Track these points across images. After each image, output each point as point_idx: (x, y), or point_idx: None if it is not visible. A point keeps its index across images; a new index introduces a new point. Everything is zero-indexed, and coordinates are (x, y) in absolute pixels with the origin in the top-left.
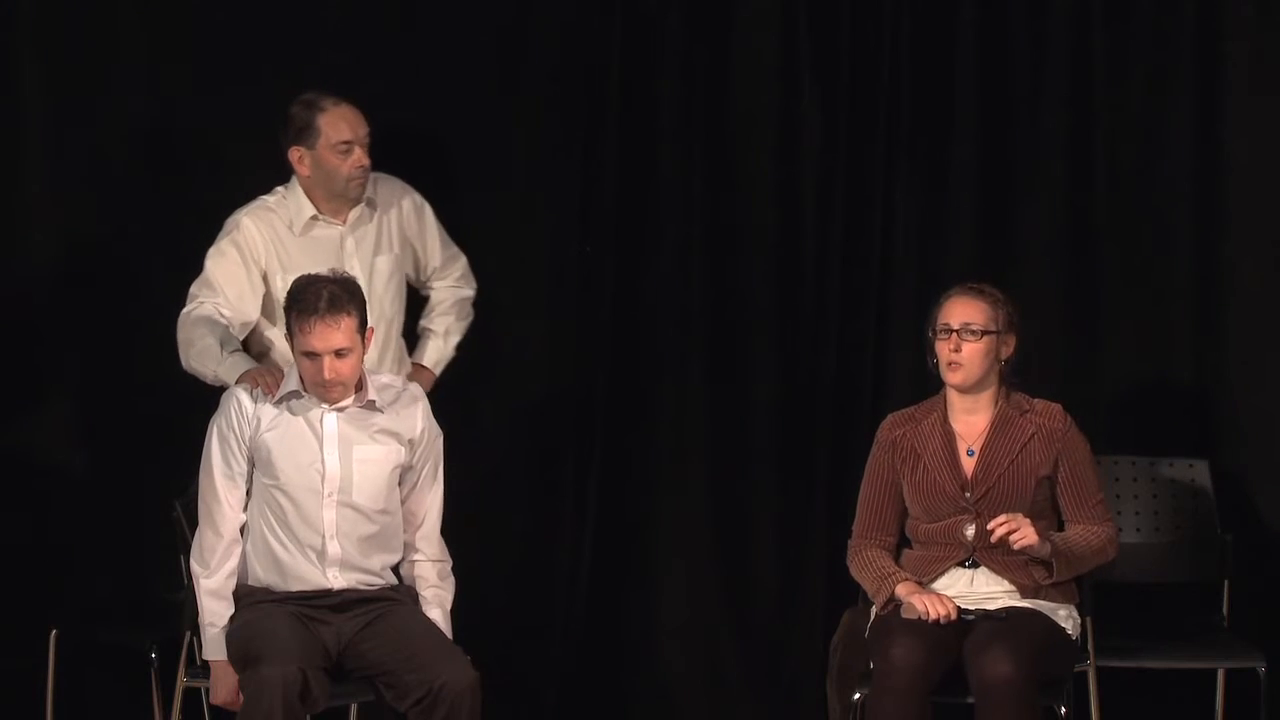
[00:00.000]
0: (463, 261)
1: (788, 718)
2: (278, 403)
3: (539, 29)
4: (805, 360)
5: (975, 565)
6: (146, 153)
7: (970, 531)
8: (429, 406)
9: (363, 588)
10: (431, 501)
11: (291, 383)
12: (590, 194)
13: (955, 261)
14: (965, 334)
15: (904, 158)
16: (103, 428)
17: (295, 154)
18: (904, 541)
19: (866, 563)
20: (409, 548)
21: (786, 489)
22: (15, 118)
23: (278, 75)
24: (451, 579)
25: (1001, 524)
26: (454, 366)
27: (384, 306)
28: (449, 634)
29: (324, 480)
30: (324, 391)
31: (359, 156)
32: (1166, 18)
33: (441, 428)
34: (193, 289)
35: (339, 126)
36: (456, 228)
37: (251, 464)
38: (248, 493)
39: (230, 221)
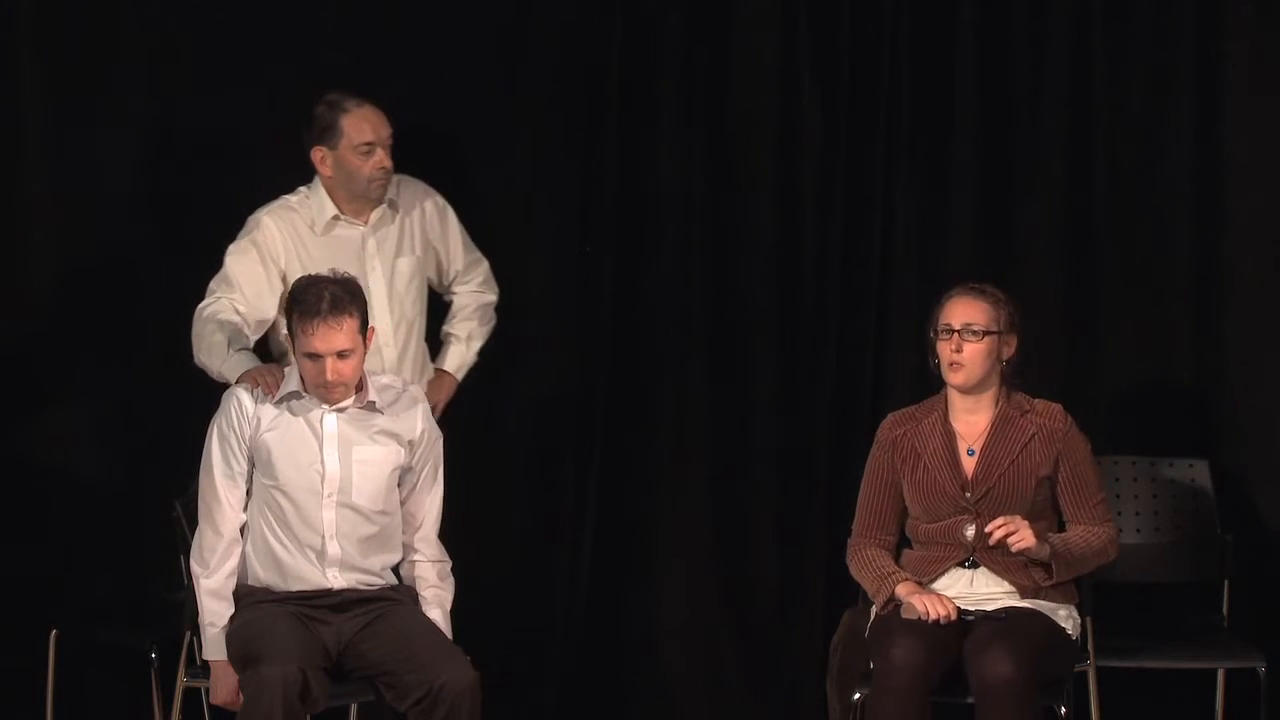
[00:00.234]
0: (485, 266)
1: (788, 718)
2: (278, 403)
3: (539, 29)
4: (805, 360)
5: (975, 566)
6: (146, 153)
7: (970, 532)
8: (429, 408)
9: (363, 588)
10: (431, 502)
11: (292, 383)
12: (590, 194)
13: (955, 261)
14: (967, 334)
15: (904, 158)
16: (103, 428)
17: (318, 154)
18: (904, 541)
19: (866, 562)
20: (408, 548)
21: (786, 489)
22: (15, 117)
23: (277, 76)
24: (451, 579)
25: (999, 526)
26: None
27: (405, 309)
28: (449, 634)
29: (324, 481)
30: (325, 393)
31: (381, 158)
32: (1166, 18)
33: (442, 429)
34: (211, 284)
35: (361, 128)
36: None
37: (252, 464)
38: (248, 493)
39: (251, 220)
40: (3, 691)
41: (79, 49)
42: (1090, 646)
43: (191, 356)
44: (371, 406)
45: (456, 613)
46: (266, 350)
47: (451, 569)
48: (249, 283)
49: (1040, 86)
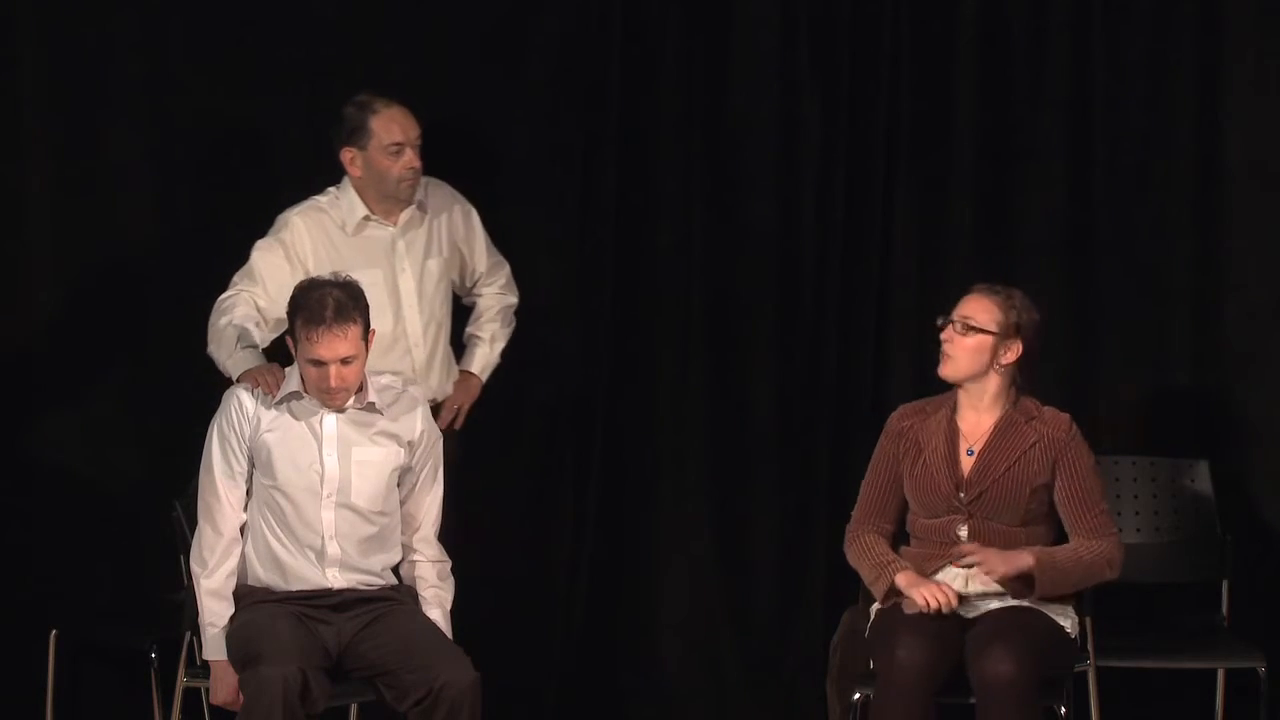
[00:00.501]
0: (507, 269)
1: (788, 718)
2: (278, 403)
3: (540, 28)
4: (805, 360)
5: (969, 565)
6: (146, 153)
7: (963, 533)
8: (429, 409)
9: (363, 588)
10: (431, 503)
11: (293, 383)
12: (590, 194)
13: (955, 261)
14: (960, 327)
15: (904, 157)
16: (103, 428)
17: (347, 155)
18: (902, 533)
19: (864, 549)
20: (408, 549)
21: (786, 489)
22: (15, 117)
23: (277, 77)
24: (451, 579)
25: (967, 555)
26: None
27: (434, 309)
28: (449, 634)
29: (323, 481)
30: (328, 398)
31: (410, 158)
32: (1166, 18)
33: (456, 430)
34: (235, 277)
35: (391, 128)
36: None
37: (252, 464)
38: (248, 492)
39: (280, 219)
40: (3, 691)
41: (79, 48)
42: (1090, 646)
43: (191, 354)
44: (371, 407)
45: (456, 613)
46: (282, 347)
47: (451, 569)
48: (273, 279)
49: (1040, 86)
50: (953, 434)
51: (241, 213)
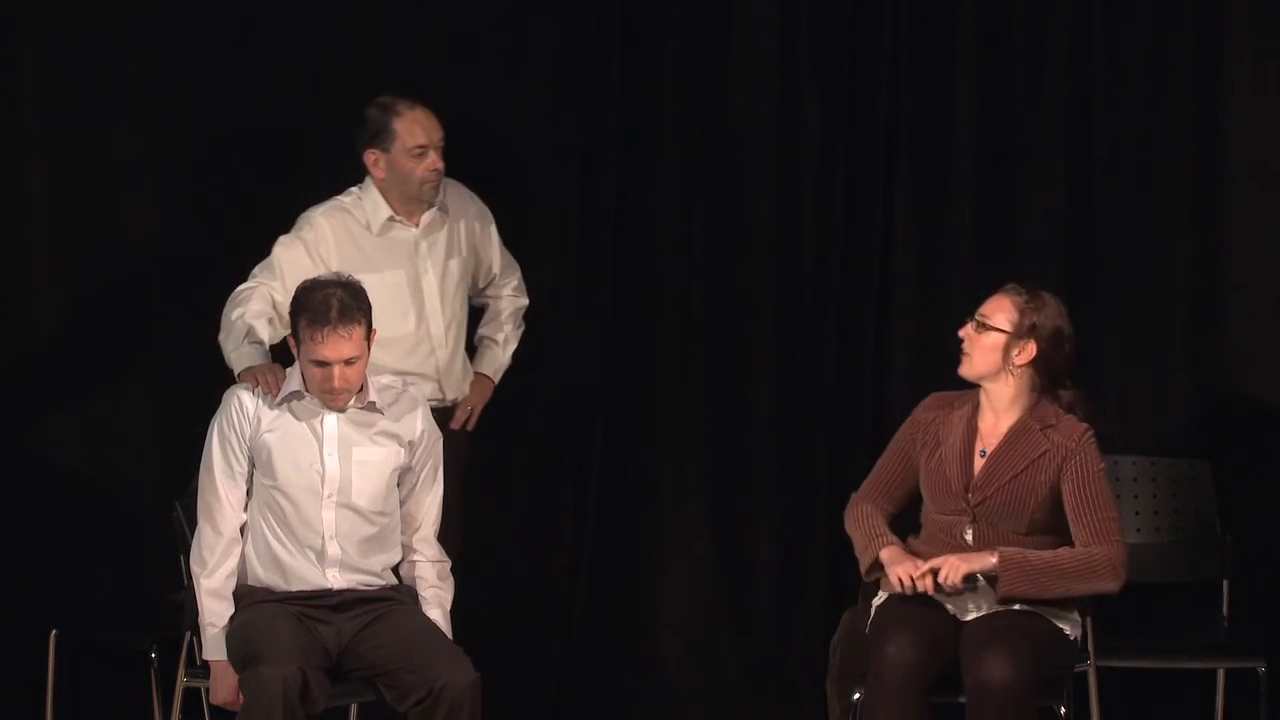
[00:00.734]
0: (518, 271)
1: (788, 718)
2: (279, 403)
3: (540, 28)
4: (805, 360)
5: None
6: (146, 153)
7: (969, 535)
8: (429, 409)
9: (363, 588)
10: (430, 503)
11: (294, 383)
12: (590, 194)
13: (955, 261)
14: (977, 325)
15: (904, 157)
16: (103, 428)
17: (370, 157)
18: (902, 518)
19: (860, 518)
20: (408, 549)
21: (786, 489)
22: (15, 117)
23: (277, 77)
24: (451, 579)
25: (930, 571)
26: None
27: (455, 310)
28: (449, 634)
29: (323, 481)
30: (330, 399)
31: (433, 160)
32: (1166, 18)
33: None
34: (255, 269)
35: (414, 130)
36: None
37: (252, 463)
38: (248, 492)
39: (304, 218)
40: (3, 691)
41: (79, 48)
42: (1090, 646)
43: (191, 354)
44: (372, 407)
45: (456, 613)
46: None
47: (451, 569)
48: (292, 275)
49: (1040, 86)
50: (970, 433)
51: (242, 212)
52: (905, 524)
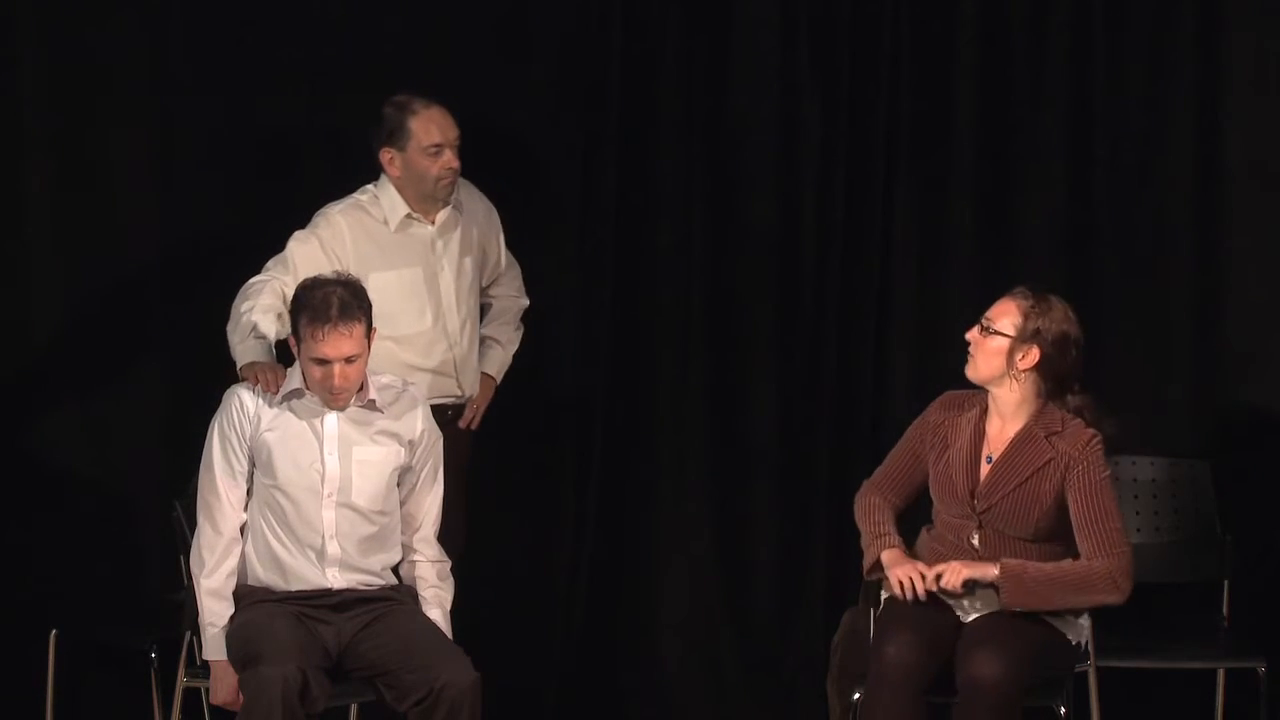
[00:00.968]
0: (519, 271)
1: (788, 718)
2: (279, 402)
3: (540, 28)
4: (805, 360)
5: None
6: (146, 153)
7: (976, 540)
8: (429, 409)
9: (363, 588)
10: (430, 503)
11: (294, 381)
12: (590, 194)
13: (955, 261)
14: (982, 328)
15: (904, 157)
16: (103, 428)
17: (386, 155)
18: (911, 511)
19: (869, 510)
20: (408, 549)
21: (786, 489)
22: (15, 117)
23: (277, 77)
24: (451, 579)
25: (933, 578)
26: None
27: (470, 307)
28: (449, 634)
29: (324, 481)
30: (331, 399)
31: (449, 158)
32: (1166, 18)
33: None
34: (269, 263)
35: (430, 129)
36: None
37: (252, 463)
38: (248, 492)
39: (321, 215)
40: (3, 691)
41: (79, 48)
42: (1090, 646)
43: (191, 353)
44: (372, 406)
45: (456, 613)
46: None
47: (451, 569)
48: (305, 270)
49: (1040, 86)
50: (978, 438)
51: (242, 212)
52: (915, 516)
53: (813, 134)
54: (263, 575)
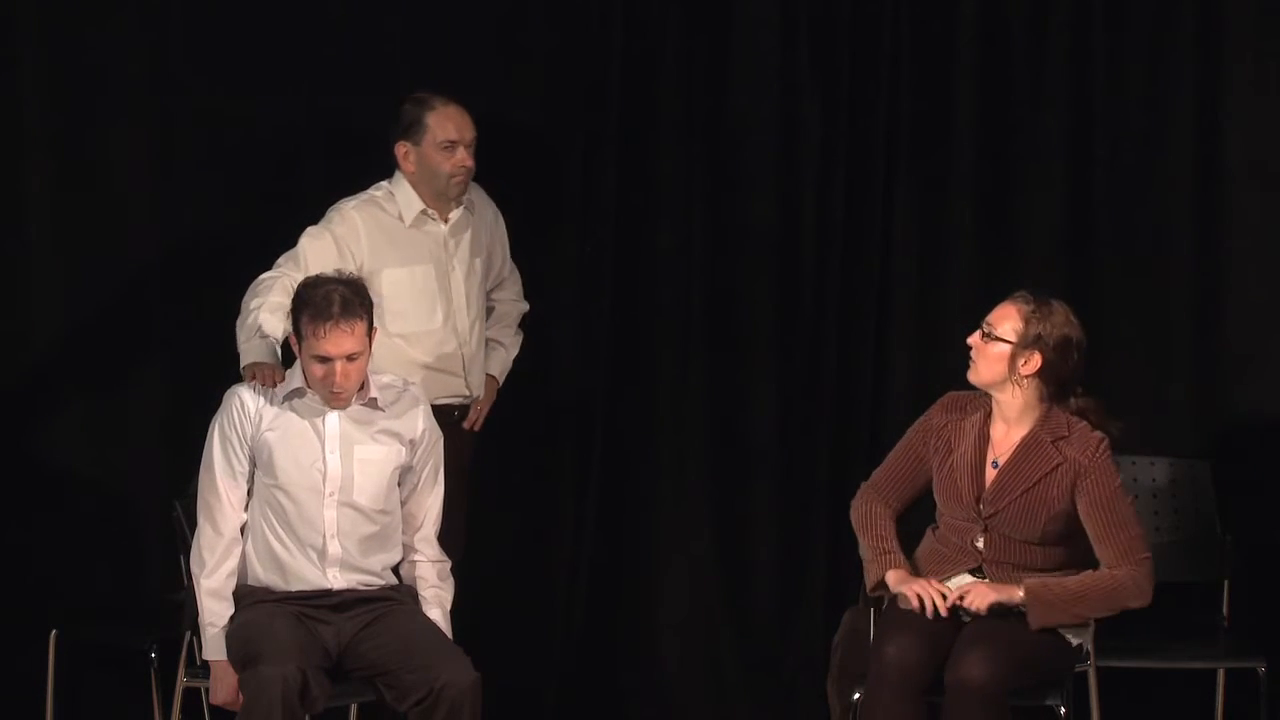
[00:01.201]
0: (519, 276)
1: (788, 718)
2: (280, 401)
3: (540, 27)
4: (805, 360)
5: (982, 575)
6: (146, 153)
7: (981, 544)
8: (430, 408)
9: (363, 588)
10: (431, 503)
11: (295, 380)
12: (590, 194)
13: (955, 261)
14: (983, 334)
15: (904, 157)
16: (103, 427)
17: (401, 149)
18: (909, 515)
19: (871, 520)
20: (408, 548)
21: (786, 489)
22: (15, 117)
23: (277, 76)
24: (451, 579)
25: (957, 598)
26: None
27: (479, 308)
28: (449, 634)
29: (325, 480)
30: (332, 398)
31: (463, 157)
32: (1166, 18)
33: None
34: (280, 259)
35: (445, 125)
36: None
37: (253, 463)
38: (249, 492)
39: (334, 211)
40: (3, 691)
41: (79, 48)
42: (1090, 647)
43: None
44: (374, 404)
45: (456, 613)
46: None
47: (451, 569)
48: (317, 267)
49: (1040, 86)
50: (983, 442)
51: (242, 212)
52: (917, 518)
53: (813, 134)
54: (263, 575)
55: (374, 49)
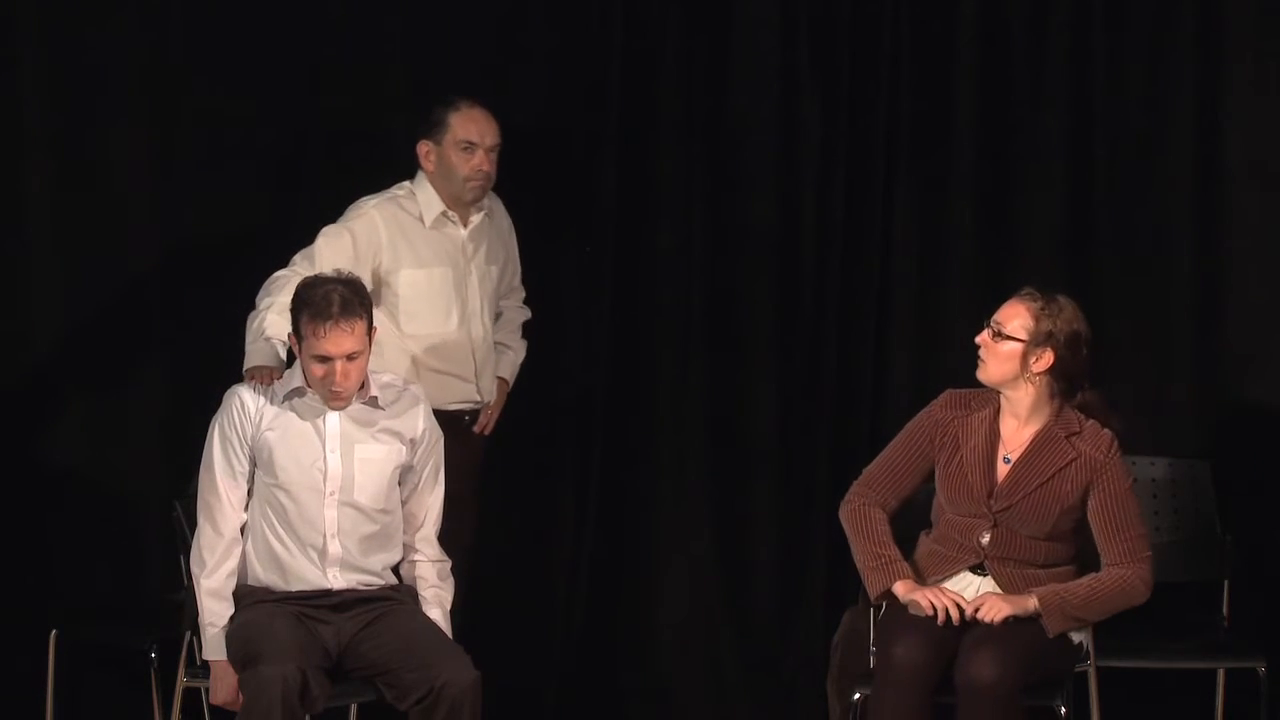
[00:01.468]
0: (521, 285)
1: (788, 718)
2: (280, 401)
3: (540, 27)
4: (805, 360)
5: (984, 573)
6: (146, 153)
7: (986, 539)
8: (430, 408)
9: (363, 588)
10: (432, 503)
11: (295, 380)
12: (590, 194)
13: (955, 261)
14: (993, 333)
15: (904, 157)
16: (103, 428)
17: (423, 148)
18: (903, 512)
19: (868, 525)
20: (408, 548)
21: (786, 489)
22: (15, 117)
23: (277, 76)
24: (451, 579)
25: (973, 611)
26: None
27: (492, 314)
28: (449, 633)
29: (325, 479)
30: (332, 398)
31: (481, 160)
32: (1166, 18)
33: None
34: (296, 256)
35: (467, 126)
36: None
37: (253, 463)
38: (249, 492)
39: (355, 209)
40: (3, 691)
41: (79, 48)
42: (1090, 646)
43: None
44: (374, 403)
45: (457, 612)
46: None
47: (451, 568)
48: (332, 266)
49: (1040, 86)
50: (993, 438)
51: (242, 212)
52: (905, 523)
53: (813, 134)
54: (263, 575)
55: (374, 49)
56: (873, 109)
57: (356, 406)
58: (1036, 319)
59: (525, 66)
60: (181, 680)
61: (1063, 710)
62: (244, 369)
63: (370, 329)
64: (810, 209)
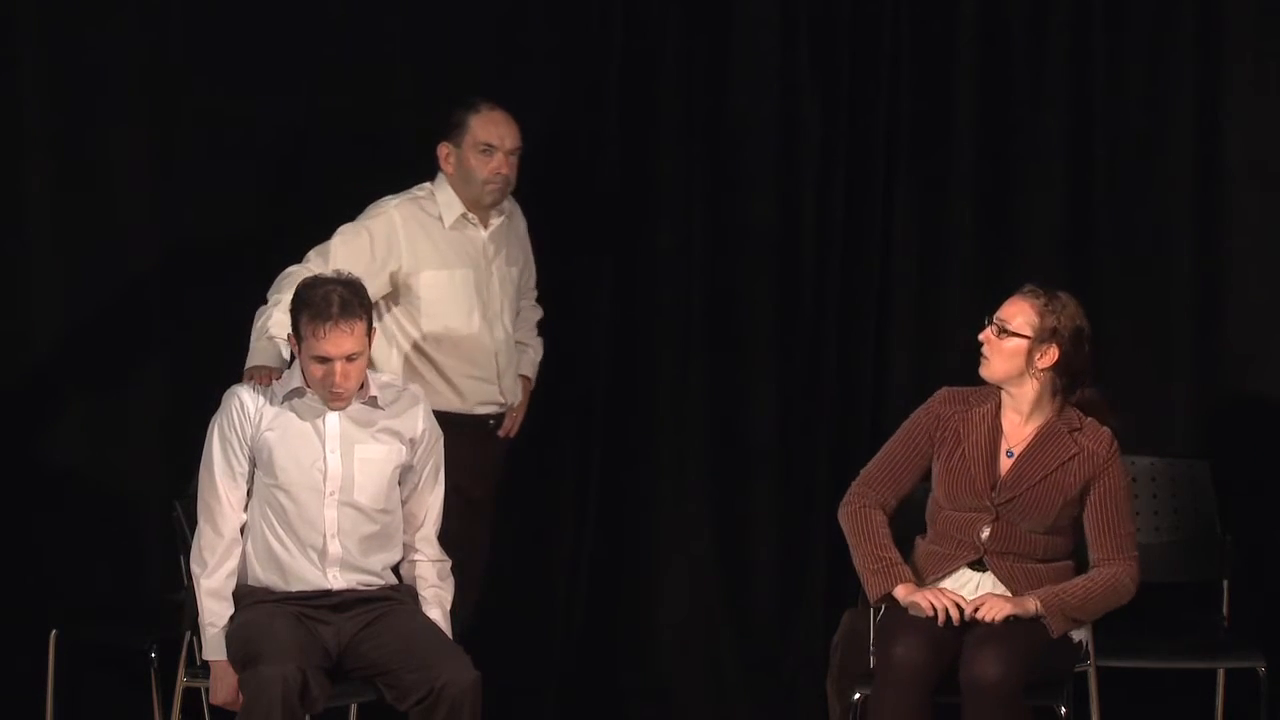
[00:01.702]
0: (534, 285)
1: (788, 718)
2: (280, 401)
3: (540, 27)
4: (805, 360)
5: (983, 569)
6: (146, 153)
7: (985, 534)
8: (430, 408)
9: (362, 588)
10: (432, 502)
11: (295, 380)
12: (590, 194)
13: (955, 262)
14: (997, 330)
15: (904, 157)
16: (103, 427)
17: (443, 150)
18: (902, 510)
19: (868, 527)
20: (408, 548)
21: (786, 489)
22: (15, 117)
23: (277, 76)
24: (451, 579)
25: (974, 611)
26: None
27: (512, 317)
28: (449, 633)
29: (325, 479)
30: (332, 399)
31: (499, 163)
32: (1166, 18)
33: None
34: (311, 251)
35: (487, 128)
36: None
37: (253, 463)
38: (248, 492)
39: (375, 208)
40: (3, 691)
41: (79, 48)
42: (1090, 646)
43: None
44: (374, 403)
45: (468, 619)
46: None
47: (451, 568)
48: (346, 264)
49: (1040, 86)
50: (995, 432)
51: (242, 212)
52: (901, 526)
53: (813, 134)
54: (262, 575)
55: (374, 49)
56: (873, 109)
57: (356, 406)
58: (1041, 315)
59: (525, 66)
60: (181, 680)
61: (1063, 710)
62: (245, 368)
63: (370, 329)
64: (810, 209)
